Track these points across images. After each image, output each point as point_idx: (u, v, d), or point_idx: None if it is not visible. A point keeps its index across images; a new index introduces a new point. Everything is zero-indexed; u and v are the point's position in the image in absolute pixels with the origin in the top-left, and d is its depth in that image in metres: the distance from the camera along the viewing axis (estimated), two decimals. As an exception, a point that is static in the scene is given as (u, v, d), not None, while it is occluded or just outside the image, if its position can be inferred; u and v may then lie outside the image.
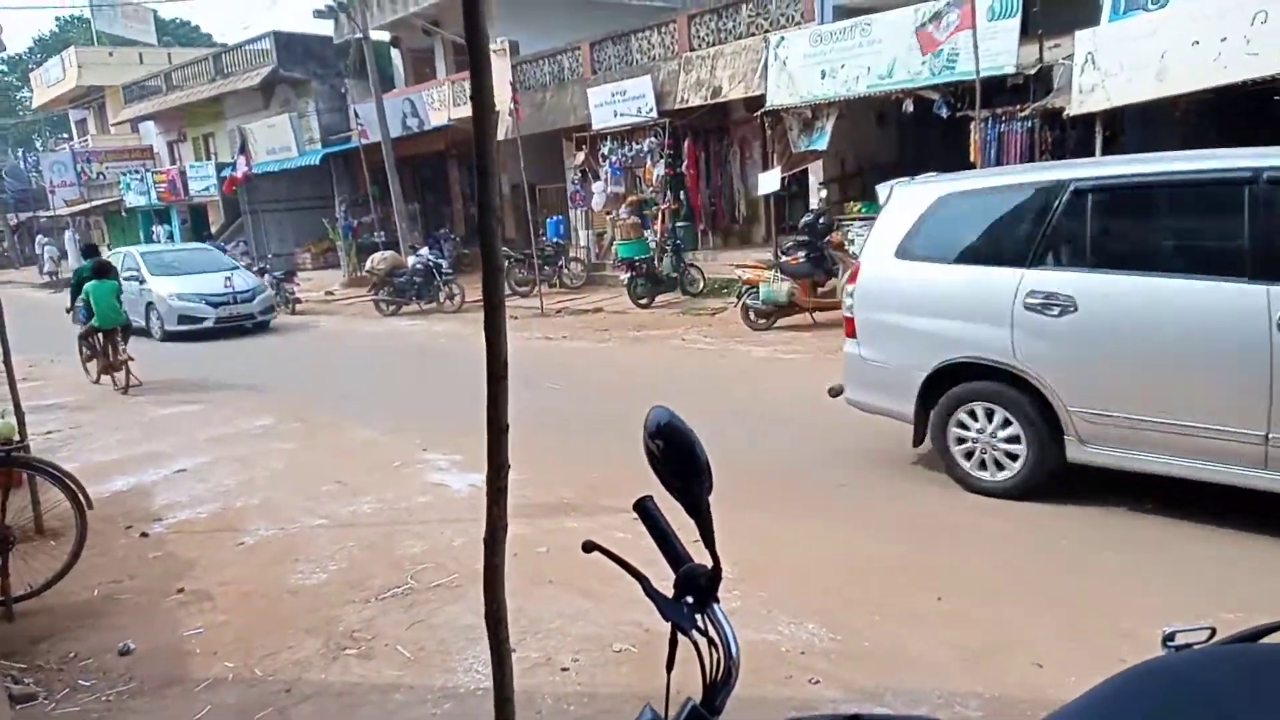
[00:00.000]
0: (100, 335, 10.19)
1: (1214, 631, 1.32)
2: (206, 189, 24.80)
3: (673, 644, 1.19)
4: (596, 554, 1.29)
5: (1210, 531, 4.13)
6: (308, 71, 23.45)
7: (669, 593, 1.22)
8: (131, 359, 10.11)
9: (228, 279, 14.73)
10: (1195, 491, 4.40)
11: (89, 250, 12.26)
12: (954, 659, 3.22)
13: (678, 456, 1.20)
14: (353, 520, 5.22)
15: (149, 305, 14.63)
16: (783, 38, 12.60)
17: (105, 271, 10.42)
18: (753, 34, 13.82)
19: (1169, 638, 1.35)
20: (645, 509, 1.32)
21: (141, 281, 14.68)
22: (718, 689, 1.14)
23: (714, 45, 14.43)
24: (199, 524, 5.41)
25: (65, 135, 41.21)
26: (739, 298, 11.17)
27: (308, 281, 19.41)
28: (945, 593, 3.72)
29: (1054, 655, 3.17)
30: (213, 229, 25.67)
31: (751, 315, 10.84)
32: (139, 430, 8.04)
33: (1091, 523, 4.38)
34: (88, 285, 10.19)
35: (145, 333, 14.37)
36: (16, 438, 5.08)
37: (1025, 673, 3.08)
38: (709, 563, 1.22)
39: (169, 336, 14.27)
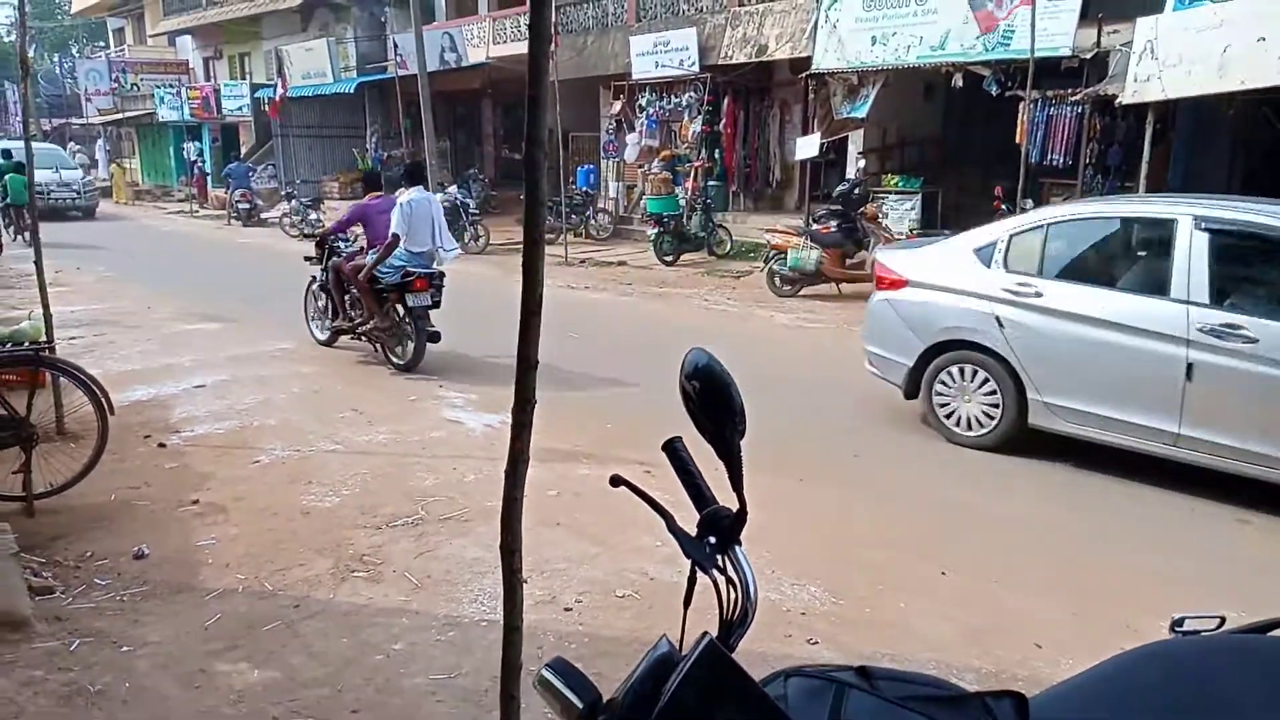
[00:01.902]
0: (13, 209, 16.16)
1: (1223, 620, 1.32)
2: (240, 108, 24.61)
3: (691, 581, 1.21)
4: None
5: (1234, 527, 4.11)
6: (349, -3, 23.11)
7: (693, 533, 1.23)
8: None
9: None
10: (1222, 488, 4.38)
11: (5, 154, 17.62)
12: (953, 632, 3.24)
13: (713, 399, 1.20)
14: (367, 449, 5.28)
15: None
16: (835, -1, 12.27)
17: (19, 169, 15.95)
18: (804, -7, 13.48)
19: (1178, 623, 1.34)
20: (674, 449, 1.33)
21: (1035, 297, 4.92)
22: (734, 628, 1.16)
23: (764, 1, 14.10)
24: (215, 439, 5.49)
25: (101, 44, 40.97)
26: (766, 262, 11.05)
27: (333, 210, 19.30)
28: (950, 568, 3.73)
29: (1054, 638, 3.19)
30: (243, 150, 25.60)
31: (777, 281, 10.75)
32: (159, 344, 8.12)
33: (1104, 513, 4.36)
34: (7, 176, 16.32)
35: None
36: (43, 339, 5.14)
37: (1024, 652, 3.10)
38: (734, 506, 1.22)
39: None
